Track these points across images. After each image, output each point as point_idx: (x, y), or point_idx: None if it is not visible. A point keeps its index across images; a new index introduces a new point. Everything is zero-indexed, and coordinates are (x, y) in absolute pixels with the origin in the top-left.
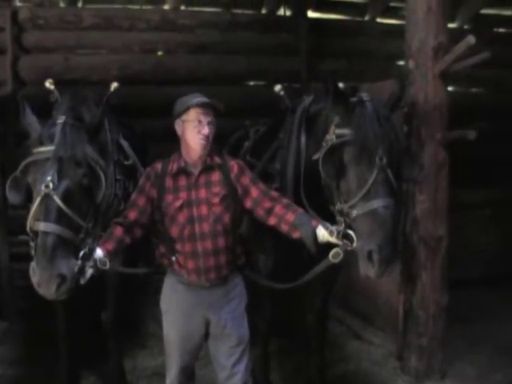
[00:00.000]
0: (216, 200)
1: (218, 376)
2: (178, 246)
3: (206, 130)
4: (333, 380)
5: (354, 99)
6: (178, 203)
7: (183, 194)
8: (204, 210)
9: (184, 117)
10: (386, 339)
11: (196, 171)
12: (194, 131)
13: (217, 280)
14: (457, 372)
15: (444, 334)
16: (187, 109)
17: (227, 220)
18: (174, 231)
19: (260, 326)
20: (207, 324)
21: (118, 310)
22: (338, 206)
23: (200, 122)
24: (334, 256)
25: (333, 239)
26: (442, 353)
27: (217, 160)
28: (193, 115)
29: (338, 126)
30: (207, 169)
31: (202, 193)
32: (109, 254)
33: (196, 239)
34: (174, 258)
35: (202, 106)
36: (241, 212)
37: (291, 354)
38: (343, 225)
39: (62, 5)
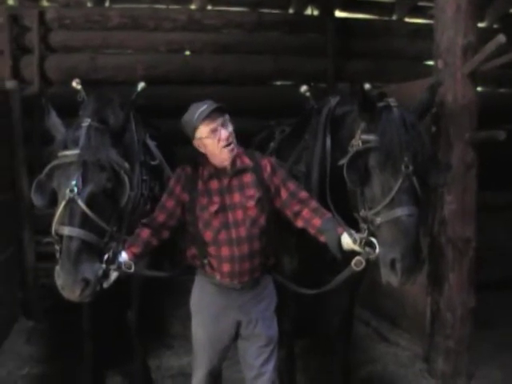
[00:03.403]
0: (251, 203)
1: (245, 376)
2: (212, 250)
3: (223, 134)
4: (359, 382)
5: (381, 104)
6: (212, 208)
7: (217, 199)
8: (239, 214)
9: (197, 135)
10: (412, 341)
11: (227, 175)
12: (214, 142)
13: (249, 282)
14: (483, 375)
15: (471, 337)
16: (196, 128)
17: (263, 222)
18: (208, 235)
19: (285, 326)
20: (238, 325)
21: (144, 309)
22: (362, 213)
23: (214, 130)
24: (356, 264)
25: (356, 247)
26: (468, 355)
27: (247, 161)
28: (204, 130)
29: (363, 132)
30: (239, 171)
31: (236, 197)
32: (135, 257)
33: (233, 243)
34: (205, 261)
35: (206, 116)
36: (274, 210)
37: (317, 355)
38: (366, 232)
39: (88, 5)
